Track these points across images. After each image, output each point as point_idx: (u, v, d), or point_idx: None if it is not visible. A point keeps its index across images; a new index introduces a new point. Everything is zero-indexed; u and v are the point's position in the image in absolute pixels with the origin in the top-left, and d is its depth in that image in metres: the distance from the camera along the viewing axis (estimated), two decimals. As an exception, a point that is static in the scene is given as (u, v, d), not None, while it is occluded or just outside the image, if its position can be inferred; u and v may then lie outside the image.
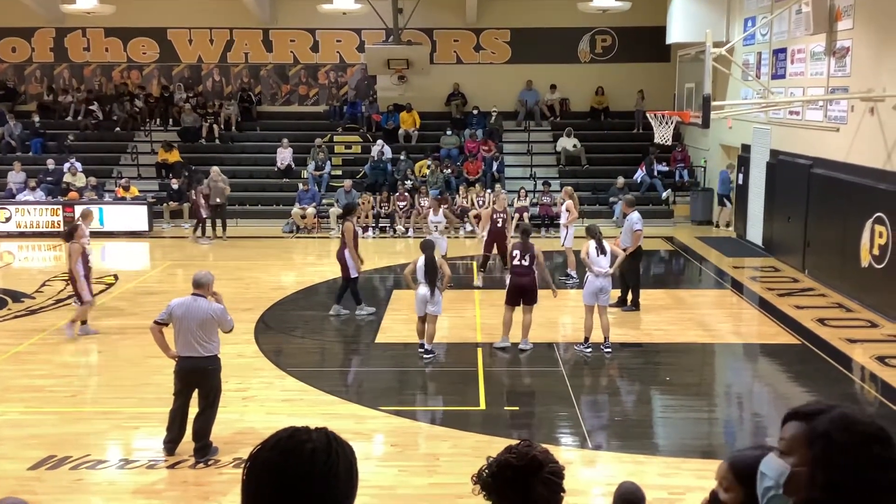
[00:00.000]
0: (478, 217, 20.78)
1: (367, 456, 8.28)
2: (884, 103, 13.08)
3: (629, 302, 13.61)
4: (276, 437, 1.84)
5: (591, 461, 8.36)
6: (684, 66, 15.42)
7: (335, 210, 20.88)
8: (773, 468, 1.92)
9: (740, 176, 19.77)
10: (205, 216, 19.95)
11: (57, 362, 11.25)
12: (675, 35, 20.68)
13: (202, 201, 19.86)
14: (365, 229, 20.17)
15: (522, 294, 11.36)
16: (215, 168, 20.79)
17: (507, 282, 11.68)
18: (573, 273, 15.40)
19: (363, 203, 20.71)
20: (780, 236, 17.39)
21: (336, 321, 13.13)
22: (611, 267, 11.52)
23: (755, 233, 18.83)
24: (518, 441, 2.63)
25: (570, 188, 16.07)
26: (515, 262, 11.38)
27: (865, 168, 13.71)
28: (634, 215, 13.47)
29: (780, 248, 17.33)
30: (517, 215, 19.99)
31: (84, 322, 12.33)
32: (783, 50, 17.21)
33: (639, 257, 13.63)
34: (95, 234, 19.34)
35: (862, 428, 1.86)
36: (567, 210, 15.49)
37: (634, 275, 13.62)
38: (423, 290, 11.04)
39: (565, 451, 8.31)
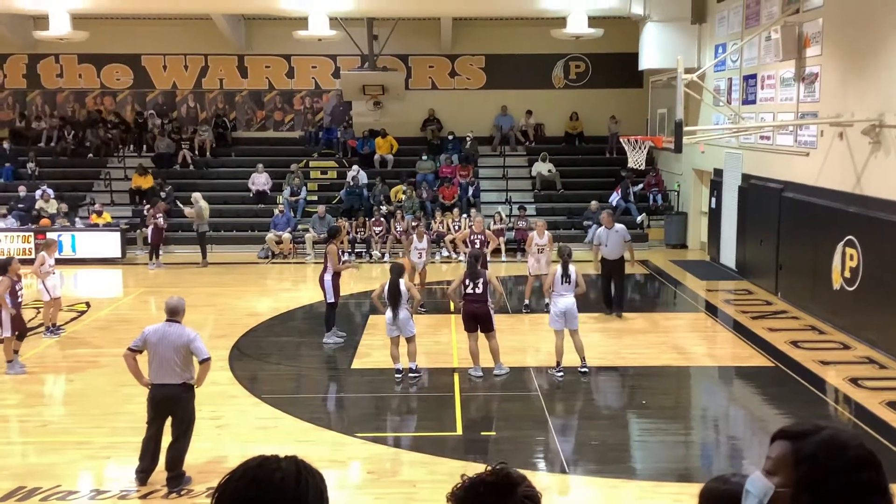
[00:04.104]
0: (454, 242, 20.90)
1: (343, 483, 8.22)
2: (852, 128, 13.28)
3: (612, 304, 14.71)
4: (245, 466, 1.82)
5: (567, 486, 8.34)
6: (657, 91, 15.62)
7: (311, 236, 20.84)
8: (757, 486, 1.90)
9: (713, 200, 19.98)
10: (149, 241, 20.05)
11: (27, 391, 11.09)
12: (647, 61, 20.94)
13: (154, 223, 19.91)
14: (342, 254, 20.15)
15: (477, 321, 11.28)
16: (197, 194, 20.76)
17: (462, 310, 11.60)
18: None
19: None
20: (752, 259, 17.55)
21: (321, 348, 13.02)
22: (574, 292, 11.50)
23: (728, 256, 18.99)
24: (496, 463, 2.62)
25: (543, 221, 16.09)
26: (468, 290, 11.22)
27: (835, 192, 13.89)
28: (622, 227, 14.85)
29: (753, 271, 17.48)
30: (501, 234, 20.12)
31: (10, 361, 11.66)
32: (753, 76, 17.46)
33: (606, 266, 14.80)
34: (68, 262, 19.23)
35: (852, 452, 1.82)
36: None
37: (620, 278, 14.84)
38: (388, 313, 11.14)
39: (542, 476, 8.28)
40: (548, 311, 14.56)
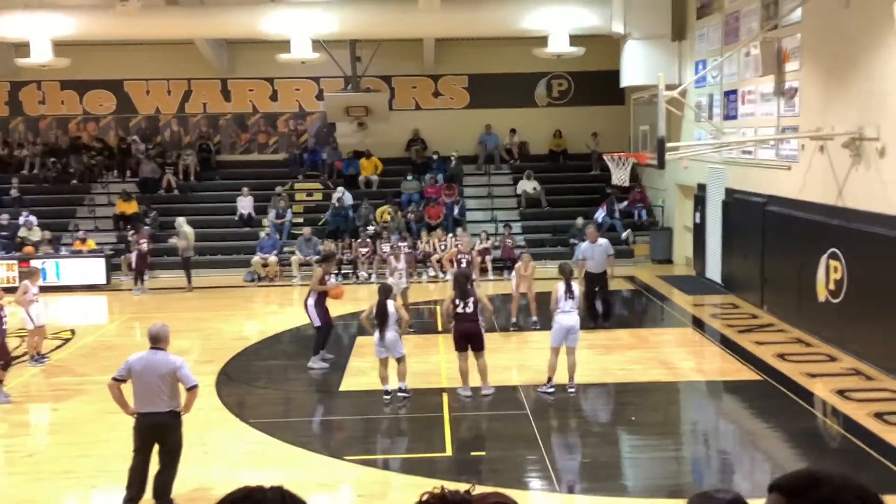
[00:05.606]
0: (440, 262, 20.89)
1: (332, 508, 8.16)
2: (832, 141, 13.38)
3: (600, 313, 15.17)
4: (230, 498, 1.81)
5: (558, 505, 8.30)
6: (639, 108, 15.69)
7: (297, 258, 20.81)
8: None
9: (697, 215, 20.07)
10: (134, 267, 20.00)
11: (12, 421, 10.98)
12: (628, 79, 21.07)
13: (138, 249, 19.86)
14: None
15: (468, 340, 11.28)
16: (181, 219, 20.70)
17: (452, 329, 11.58)
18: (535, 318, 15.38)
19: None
20: (738, 273, 17.62)
21: (309, 371, 12.94)
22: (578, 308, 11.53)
23: (714, 270, 19.06)
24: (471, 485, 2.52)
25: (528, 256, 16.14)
26: (459, 309, 11.23)
27: (818, 205, 13.99)
28: (605, 241, 15.22)
29: (739, 285, 17.55)
30: (480, 258, 20.06)
31: None
32: (734, 91, 17.60)
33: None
34: (52, 289, 19.08)
35: None
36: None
37: (606, 291, 15.24)
38: (376, 334, 11.12)
39: (533, 495, 8.26)
40: (535, 329, 14.66)
